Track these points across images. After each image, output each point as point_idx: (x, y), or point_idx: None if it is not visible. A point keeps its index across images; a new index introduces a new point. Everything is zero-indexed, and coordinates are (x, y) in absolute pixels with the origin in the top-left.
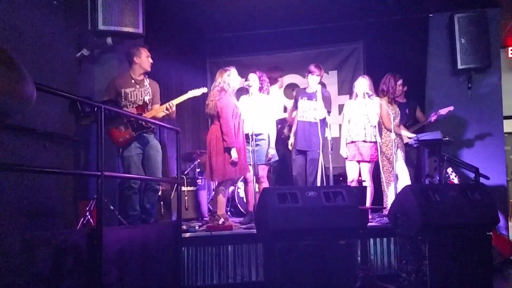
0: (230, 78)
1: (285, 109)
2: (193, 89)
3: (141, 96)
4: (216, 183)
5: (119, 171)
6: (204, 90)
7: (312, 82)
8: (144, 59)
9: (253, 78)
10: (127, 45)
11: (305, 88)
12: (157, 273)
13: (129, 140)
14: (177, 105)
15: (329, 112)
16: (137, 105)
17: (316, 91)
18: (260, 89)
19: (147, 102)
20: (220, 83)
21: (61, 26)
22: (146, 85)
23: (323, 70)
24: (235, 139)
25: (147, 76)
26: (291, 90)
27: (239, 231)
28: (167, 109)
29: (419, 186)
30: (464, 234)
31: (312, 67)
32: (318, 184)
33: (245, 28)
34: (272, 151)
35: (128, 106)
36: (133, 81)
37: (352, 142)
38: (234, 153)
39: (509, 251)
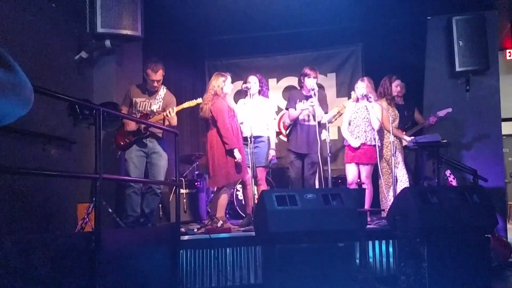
0: (225, 84)
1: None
2: (189, 100)
3: (150, 107)
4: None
5: (121, 174)
6: (199, 101)
7: (308, 84)
8: (148, 80)
9: (254, 80)
10: (126, 48)
11: (301, 91)
12: (155, 276)
13: (127, 145)
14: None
15: (326, 113)
16: (142, 114)
17: (313, 94)
18: (260, 92)
19: (154, 111)
20: (214, 87)
21: (59, 29)
22: (160, 95)
23: (318, 72)
24: (236, 140)
25: (164, 87)
26: (289, 92)
27: (237, 234)
28: (166, 115)
29: (417, 189)
30: (462, 236)
31: (307, 70)
32: (317, 186)
33: (243, 31)
34: (273, 152)
35: (136, 115)
36: (146, 91)
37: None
38: (237, 154)
39: (507, 253)
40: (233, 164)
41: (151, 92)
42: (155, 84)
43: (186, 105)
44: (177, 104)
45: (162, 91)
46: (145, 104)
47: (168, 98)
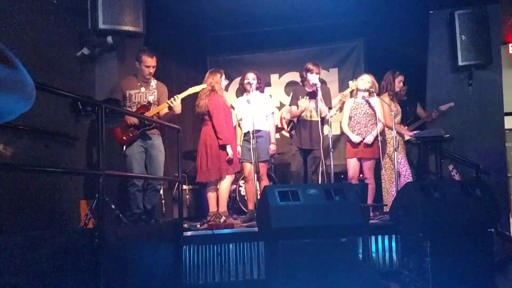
0: (221, 80)
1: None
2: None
3: (145, 98)
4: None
5: (124, 170)
6: (204, 86)
7: (311, 80)
8: (142, 67)
9: (253, 77)
10: (127, 44)
11: (304, 86)
12: (158, 272)
13: (132, 139)
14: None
15: (330, 108)
16: (140, 105)
17: (316, 89)
18: (257, 88)
19: (151, 102)
20: (212, 83)
21: (61, 25)
22: (153, 86)
23: (320, 67)
24: (229, 136)
25: (154, 78)
26: (291, 88)
27: (240, 229)
28: (171, 102)
29: (420, 183)
30: (465, 230)
31: (310, 65)
32: (319, 181)
33: (245, 26)
34: (273, 147)
35: (132, 107)
36: (138, 83)
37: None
38: (230, 150)
39: (510, 248)
40: (226, 159)
41: (144, 83)
42: (150, 70)
43: (191, 90)
44: (169, 94)
45: (153, 81)
46: (141, 96)
47: (160, 88)
